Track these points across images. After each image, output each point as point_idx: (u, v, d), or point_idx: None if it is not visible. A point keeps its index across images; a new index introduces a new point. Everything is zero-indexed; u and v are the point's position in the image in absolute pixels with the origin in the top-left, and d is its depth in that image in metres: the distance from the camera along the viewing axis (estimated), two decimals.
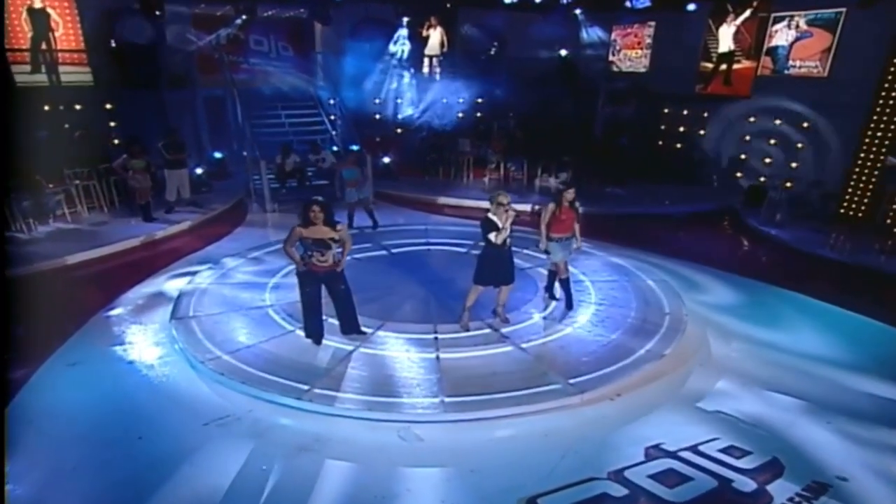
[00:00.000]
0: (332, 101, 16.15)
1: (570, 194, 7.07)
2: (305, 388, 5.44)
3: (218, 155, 14.53)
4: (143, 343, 6.56)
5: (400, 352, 6.21)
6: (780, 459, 4.78)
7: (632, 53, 17.62)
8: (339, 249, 6.07)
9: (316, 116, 15.00)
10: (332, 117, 15.76)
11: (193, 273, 8.43)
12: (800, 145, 13.35)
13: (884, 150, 10.80)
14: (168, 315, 7.06)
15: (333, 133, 14.94)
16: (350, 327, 6.43)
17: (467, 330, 6.68)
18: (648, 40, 17.05)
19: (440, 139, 16.16)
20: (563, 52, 18.25)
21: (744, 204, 13.20)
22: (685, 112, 16.45)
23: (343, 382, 5.58)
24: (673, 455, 4.82)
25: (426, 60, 18.53)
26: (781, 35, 13.57)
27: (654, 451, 4.87)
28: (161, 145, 11.09)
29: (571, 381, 5.67)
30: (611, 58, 18.03)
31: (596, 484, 4.46)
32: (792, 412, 5.47)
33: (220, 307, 7.24)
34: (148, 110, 13.15)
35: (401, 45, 17.13)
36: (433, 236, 10.33)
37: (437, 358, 6.07)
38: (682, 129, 16.56)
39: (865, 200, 11.15)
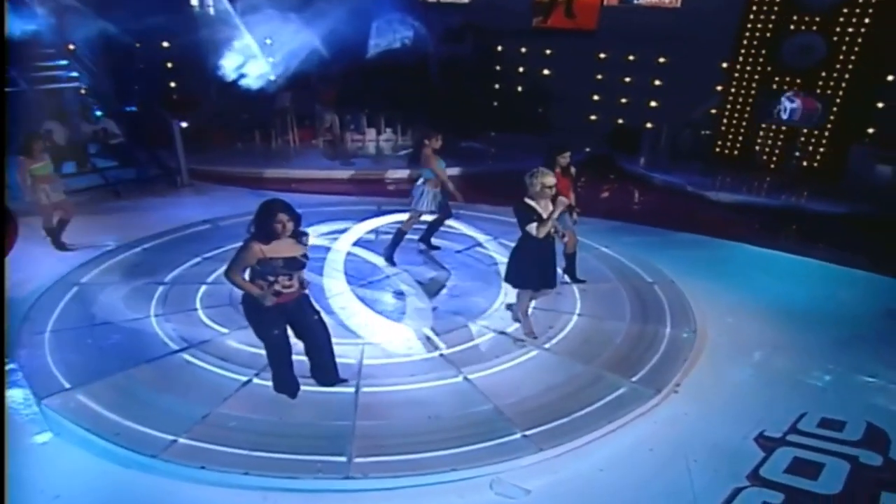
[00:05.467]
0: (72, 47, 13.58)
1: (564, 158, 6.96)
2: (341, 459, 4.59)
3: None
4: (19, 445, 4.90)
5: (415, 381, 5.61)
6: (875, 423, 5.37)
7: None
8: None
9: (60, 70, 12.40)
10: (76, 73, 13.17)
11: None
12: (658, 82, 14.93)
13: (753, 84, 12.58)
14: (24, 391, 5.40)
15: (85, 90, 12.54)
16: (329, 374, 5.43)
17: (534, 336, 6.32)
18: None
19: (251, 94, 14.66)
20: None
21: (610, 148, 14.41)
22: (524, 50, 17.22)
23: (382, 440, 4.83)
24: (784, 441, 5.13)
25: None
26: None
27: (766, 442, 5.12)
28: None
29: (633, 379, 5.68)
30: None
31: (747, 494, 4.54)
32: (837, 370, 6.17)
33: (104, 365, 5.72)
34: None
35: None
36: (315, 221, 9.42)
37: (468, 380, 5.61)
38: (521, 69, 17.34)
39: (740, 138, 12.94)
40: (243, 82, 15.03)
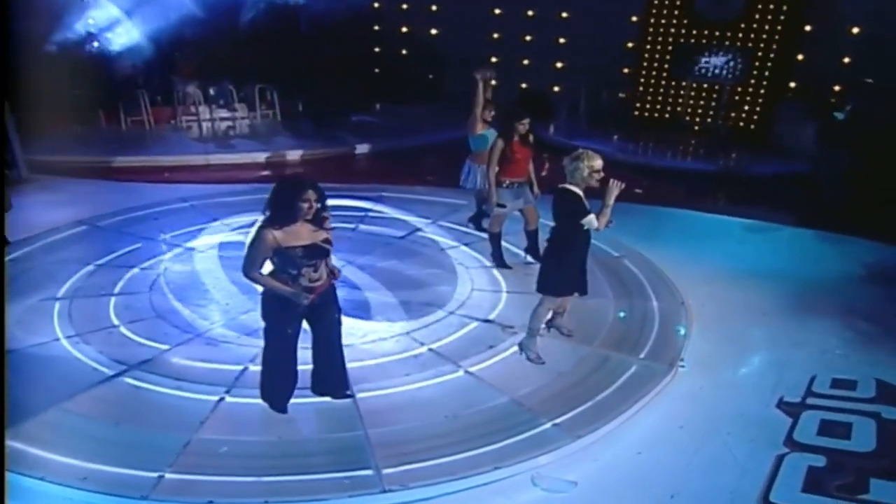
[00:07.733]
0: None
1: (523, 126, 7.25)
2: (368, 472, 4.68)
3: None
4: None
5: (413, 381, 5.81)
6: (882, 379, 6.18)
7: None
8: None
9: None
10: None
11: None
12: (562, 41, 15.66)
13: (669, 39, 13.59)
14: None
15: None
16: (335, 381, 5.45)
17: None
18: None
19: (87, 64, 13.85)
20: None
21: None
22: (405, 7, 17.40)
23: (404, 446, 4.95)
24: (805, 405, 5.80)
25: None
26: None
27: (788, 407, 5.76)
28: None
29: (641, 357, 6.17)
30: None
31: (791, 460, 5.10)
32: (827, 330, 7.02)
33: (27, 401, 5.35)
34: None
35: None
36: (221, 215, 9.27)
37: (471, 374, 5.88)
38: (405, 29, 17.54)
39: (660, 98, 13.95)
40: (76, 49, 14.14)
